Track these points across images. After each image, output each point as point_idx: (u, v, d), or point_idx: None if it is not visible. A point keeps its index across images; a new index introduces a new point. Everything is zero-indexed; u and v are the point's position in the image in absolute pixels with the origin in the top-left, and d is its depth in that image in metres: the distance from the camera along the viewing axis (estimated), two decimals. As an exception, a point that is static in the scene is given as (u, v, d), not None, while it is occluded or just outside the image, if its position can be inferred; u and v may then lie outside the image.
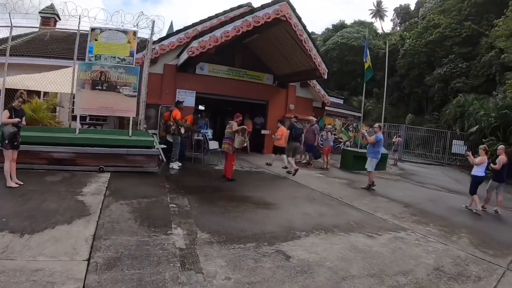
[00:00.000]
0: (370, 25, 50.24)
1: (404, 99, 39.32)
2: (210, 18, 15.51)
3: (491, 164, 10.14)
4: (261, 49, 17.30)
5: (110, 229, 5.40)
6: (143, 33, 12.37)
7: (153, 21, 11.48)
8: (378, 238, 6.42)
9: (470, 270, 5.36)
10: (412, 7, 54.36)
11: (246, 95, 17.31)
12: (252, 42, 16.84)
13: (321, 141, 16.22)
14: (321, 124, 19.76)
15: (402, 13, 56.09)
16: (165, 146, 11.66)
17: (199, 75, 16.20)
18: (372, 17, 59.45)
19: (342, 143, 23.24)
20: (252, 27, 13.13)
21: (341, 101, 28.67)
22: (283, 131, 13.44)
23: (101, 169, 9.55)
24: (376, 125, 12.10)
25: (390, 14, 75.02)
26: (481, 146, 10.30)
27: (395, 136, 23.32)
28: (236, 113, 10.78)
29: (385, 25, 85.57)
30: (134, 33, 11.09)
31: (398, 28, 54.96)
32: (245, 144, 10.31)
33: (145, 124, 13.68)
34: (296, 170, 12.21)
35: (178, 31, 15.06)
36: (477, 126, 22.45)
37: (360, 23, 51.90)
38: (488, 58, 29.10)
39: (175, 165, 11.58)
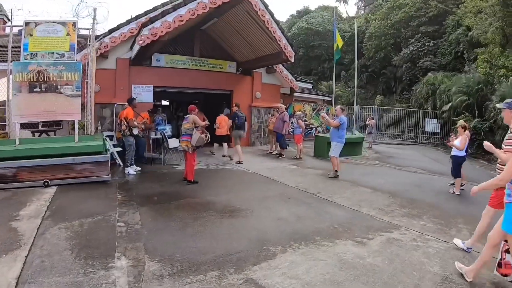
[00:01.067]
0: (334, 9, 49.38)
1: (372, 81, 38.74)
2: (164, 5, 13.97)
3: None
4: (222, 35, 15.95)
5: (39, 267, 4.10)
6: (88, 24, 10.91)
7: (95, 9, 10.10)
8: (369, 243, 5.27)
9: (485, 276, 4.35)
10: (377, -11, 53.91)
11: (208, 85, 15.99)
12: (212, 28, 15.48)
13: (292, 129, 14.97)
14: (290, 111, 18.64)
15: (366, -4, 55.68)
16: (121, 149, 10.46)
17: (155, 68, 14.72)
18: (336, 1, 58.52)
19: (314, 129, 22.27)
20: (208, 9, 11.71)
21: (309, 86, 27.79)
22: (221, 120, 13.48)
23: (46, 183, 8.05)
24: (338, 107, 11.06)
25: (353, -1, 74.40)
26: (460, 123, 9.52)
27: (368, 118, 22.60)
28: (190, 105, 9.49)
29: (350, 10, 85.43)
30: (74, 23, 9.66)
31: (363, 12, 54.39)
32: (206, 141, 9.00)
33: (100, 126, 12.36)
34: (238, 162, 12.16)
35: (130, 21, 13.42)
36: (450, 104, 21.97)
37: (325, 8, 51.01)
38: (455, 36, 28.75)
39: (132, 169, 10.21)
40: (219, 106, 16.59)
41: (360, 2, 58.24)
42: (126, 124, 10.23)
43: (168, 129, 13.29)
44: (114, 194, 7.72)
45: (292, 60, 14.11)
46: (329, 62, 39.55)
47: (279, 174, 10.45)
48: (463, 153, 9.19)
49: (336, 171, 10.33)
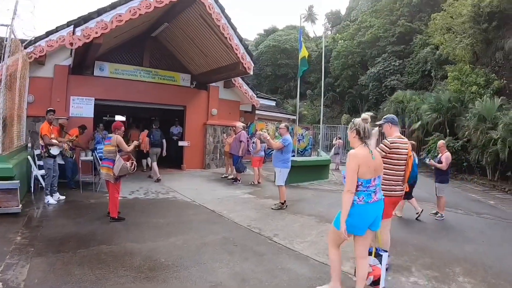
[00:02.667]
0: (302, 29, 48.55)
1: (338, 100, 37.66)
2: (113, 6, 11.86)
3: (431, 161, 9.02)
4: (175, 43, 13.98)
5: None
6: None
7: (17, 1, 7.98)
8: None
9: None
10: (343, 12, 53.56)
11: (158, 100, 13.91)
12: (164, 35, 13.60)
13: (252, 150, 13.02)
14: (251, 130, 16.73)
15: (333, 17, 55.22)
16: (43, 173, 8.36)
17: (98, 78, 12.61)
18: (304, 21, 57.80)
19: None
20: (153, 8, 9.78)
21: (273, 103, 26.08)
22: (143, 135, 12.13)
23: None
24: (283, 125, 9.06)
25: (321, 19, 74.25)
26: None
27: (335, 138, 21.05)
28: (116, 122, 7.49)
29: (317, 30, 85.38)
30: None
31: (330, 33, 53.75)
32: (131, 171, 6.93)
33: (30, 143, 10.25)
34: (158, 179, 11.52)
35: (70, 23, 11.17)
36: (419, 122, 20.62)
37: (292, 27, 50.07)
38: (423, 54, 28.18)
39: (52, 199, 8.06)
40: (170, 123, 14.66)
41: (327, 23, 57.74)
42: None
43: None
44: (15, 234, 5.74)
45: (251, 73, 12.28)
46: (295, 81, 38.29)
47: (229, 207, 8.43)
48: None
49: (282, 203, 8.38)
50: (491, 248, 6.37)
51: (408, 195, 8.18)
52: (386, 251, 4.45)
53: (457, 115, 18.53)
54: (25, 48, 9.71)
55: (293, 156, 11.50)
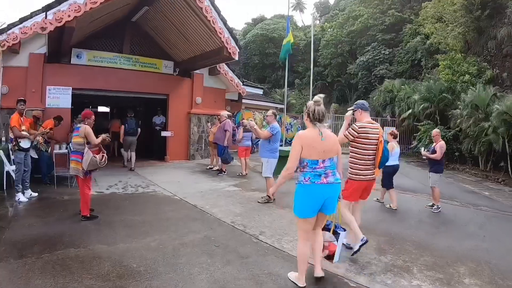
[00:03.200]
0: (290, 17, 47.76)
1: (326, 89, 37.04)
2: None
3: (424, 152, 8.55)
4: (156, 28, 13.18)
5: None
6: None
7: None
8: None
9: None
10: (332, 1, 52.72)
11: (139, 88, 13.11)
12: (144, 19, 12.79)
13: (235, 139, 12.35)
14: (238, 119, 16.06)
15: (322, 7, 54.14)
16: (13, 168, 7.70)
17: (75, 66, 11.76)
18: (292, 10, 56.87)
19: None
20: (131, -12, 9.08)
21: (260, 92, 25.38)
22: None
23: None
24: (270, 112, 8.33)
25: (310, 8, 73.35)
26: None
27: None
28: (85, 110, 6.81)
29: (305, 19, 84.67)
30: None
31: (318, 22, 52.97)
32: (101, 164, 6.23)
33: (4, 136, 9.46)
34: (131, 169, 11.50)
35: (46, 8, 10.39)
36: (410, 111, 20.11)
37: (280, 17, 49.02)
38: (413, 44, 27.49)
39: (24, 196, 7.37)
40: (153, 113, 13.94)
41: (316, 13, 56.94)
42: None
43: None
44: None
45: (236, 58, 11.56)
46: (283, 70, 37.49)
47: (212, 202, 7.79)
48: (395, 162, 8.13)
49: (269, 196, 7.51)
50: (493, 243, 5.88)
51: (387, 184, 8.14)
52: (344, 230, 4.50)
53: (448, 104, 18.08)
54: None
55: (281, 145, 10.85)
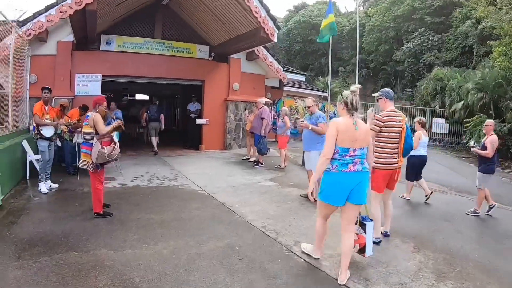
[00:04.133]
0: (332, 3, 46.00)
1: (371, 77, 35.27)
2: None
3: (474, 148, 7.34)
4: (189, 11, 12.25)
5: None
6: None
7: None
8: None
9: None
10: (375, -15, 50.46)
11: (172, 74, 12.34)
12: (176, 2, 11.94)
13: (275, 128, 11.33)
14: (279, 108, 15.03)
15: (365, -8, 52.08)
16: (38, 157, 7.24)
17: (105, 52, 11.28)
18: (334, -4, 55.00)
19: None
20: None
21: (302, 78, 24.16)
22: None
23: None
24: (310, 100, 7.11)
25: (351, -5, 70.86)
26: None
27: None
28: (98, 96, 6.29)
29: (348, 6, 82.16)
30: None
31: (362, 8, 50.83)
32: (115, 158, 5.53)
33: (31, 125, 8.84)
34: (155, 152, 11.74)
35: None
36: (462, 102, 18.28)
37: (323, 3, 47.11)
38: (464, 29, 25.23)
39: (44, 186, 6.86)
40: (187, 100, 13.23)
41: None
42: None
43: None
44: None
45: (275, 40, 10.46)
46: (326, 58, 36.09)
47: (244, 199, 6.87)
48: (422, 153, 7.37)
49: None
50: None
51: (411, 176, 7.48)
52: (371, 220, 4.19)
53: (503, 95, 16.27)
54: (23, 25, 8.90)
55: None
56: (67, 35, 10.36)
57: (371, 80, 35.58)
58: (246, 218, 5.70)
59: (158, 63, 11.97)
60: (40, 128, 6.82)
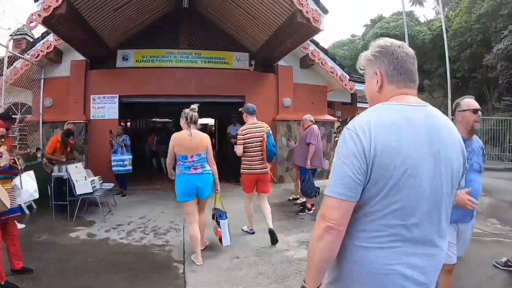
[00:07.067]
0: (410, 14, 41.45)
1: (461, 88, 30.03)
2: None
3: None
4: (218, 11, 9.38)
5: None
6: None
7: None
8: None
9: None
10: (453, -11, 45.06)
11: (203, 90, 9.39)
12: (202, 3, 9.34)
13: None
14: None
15: (443, -1, 46.80)
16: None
17: (122, 70, 9.29)
18: (411, 5, 49.71)
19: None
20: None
21: (377, 90, 20.22)
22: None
23: None
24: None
25: (430, 2, 65.39)
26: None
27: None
28: None
29: (427, 14, 76.55)
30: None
31: (442, 15, 45.78)
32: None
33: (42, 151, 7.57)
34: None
35: None
36: None
37: (400, 13, 42.98)
38: None
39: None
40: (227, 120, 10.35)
41: (437, 6, 49.18)
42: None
43: (126, 160, 8.05)
44: None
45: (320, 27, 6.69)
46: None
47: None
48: None
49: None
50: None
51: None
52: (226, 218, 4.62)
53: None
54: (32, 46, 8.51)
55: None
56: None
57: (460, 91, 30.29)
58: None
59: (186, 78, 9.37)
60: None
